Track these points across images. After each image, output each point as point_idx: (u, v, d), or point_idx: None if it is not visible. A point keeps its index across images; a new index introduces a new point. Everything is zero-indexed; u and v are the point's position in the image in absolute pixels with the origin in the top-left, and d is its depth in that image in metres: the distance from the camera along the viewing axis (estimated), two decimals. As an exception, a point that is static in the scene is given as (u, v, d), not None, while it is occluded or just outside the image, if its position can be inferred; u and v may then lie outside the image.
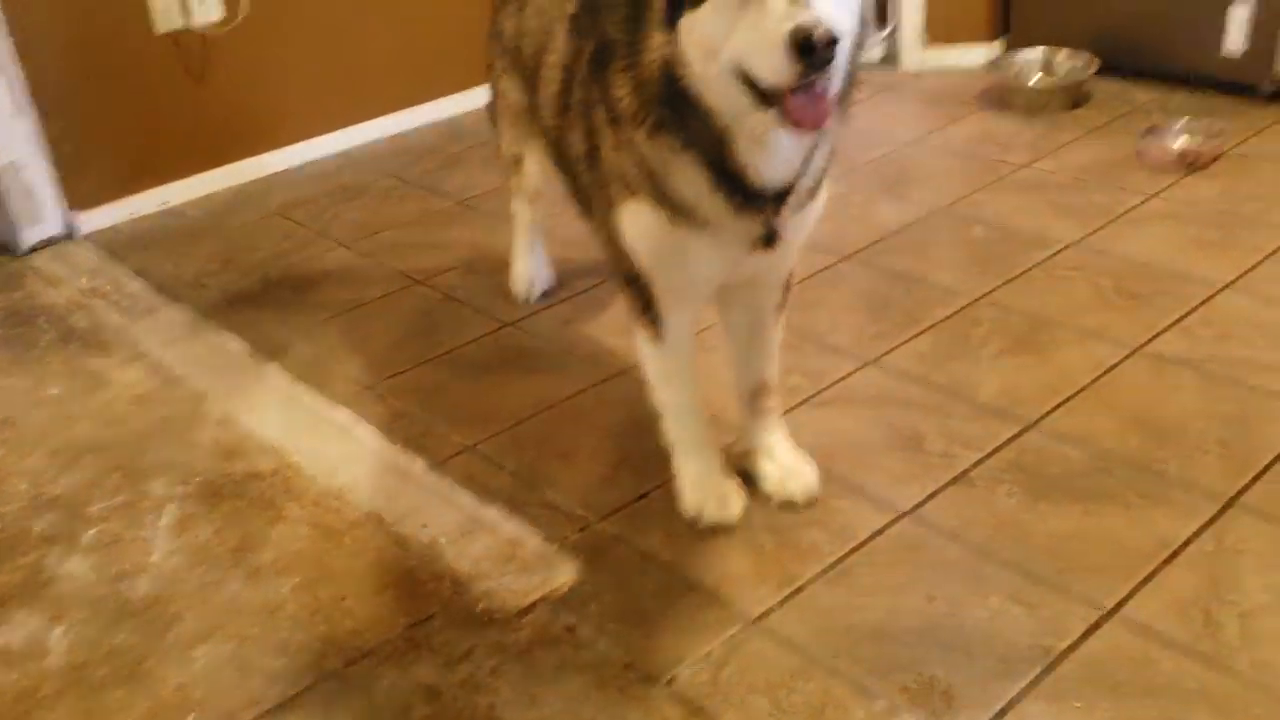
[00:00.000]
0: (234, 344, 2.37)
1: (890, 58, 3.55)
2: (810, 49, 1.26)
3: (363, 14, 3.24)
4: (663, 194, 1.50)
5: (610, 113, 1.52)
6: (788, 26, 1.26)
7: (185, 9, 2.93)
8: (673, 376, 1.72)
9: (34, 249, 2.86)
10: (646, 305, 1.64)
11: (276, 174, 3.18)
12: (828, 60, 1.27)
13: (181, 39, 2.96)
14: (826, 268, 2.44)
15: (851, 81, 1.47)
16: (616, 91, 1.48)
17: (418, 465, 1.94)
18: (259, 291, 2.58)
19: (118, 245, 2.85)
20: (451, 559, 1.73)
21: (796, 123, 1.34)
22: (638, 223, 1.55)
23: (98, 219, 2.94)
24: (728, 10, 1.32)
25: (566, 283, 2.46)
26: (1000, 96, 3.18)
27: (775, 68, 1.29)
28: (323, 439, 2.05)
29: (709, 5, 1.34)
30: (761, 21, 1.29)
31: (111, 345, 2.41)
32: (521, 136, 2.22)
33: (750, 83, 1.33)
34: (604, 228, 1.65)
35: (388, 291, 2.52)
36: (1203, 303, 2.18)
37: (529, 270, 2.42)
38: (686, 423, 1.75)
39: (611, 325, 2.29)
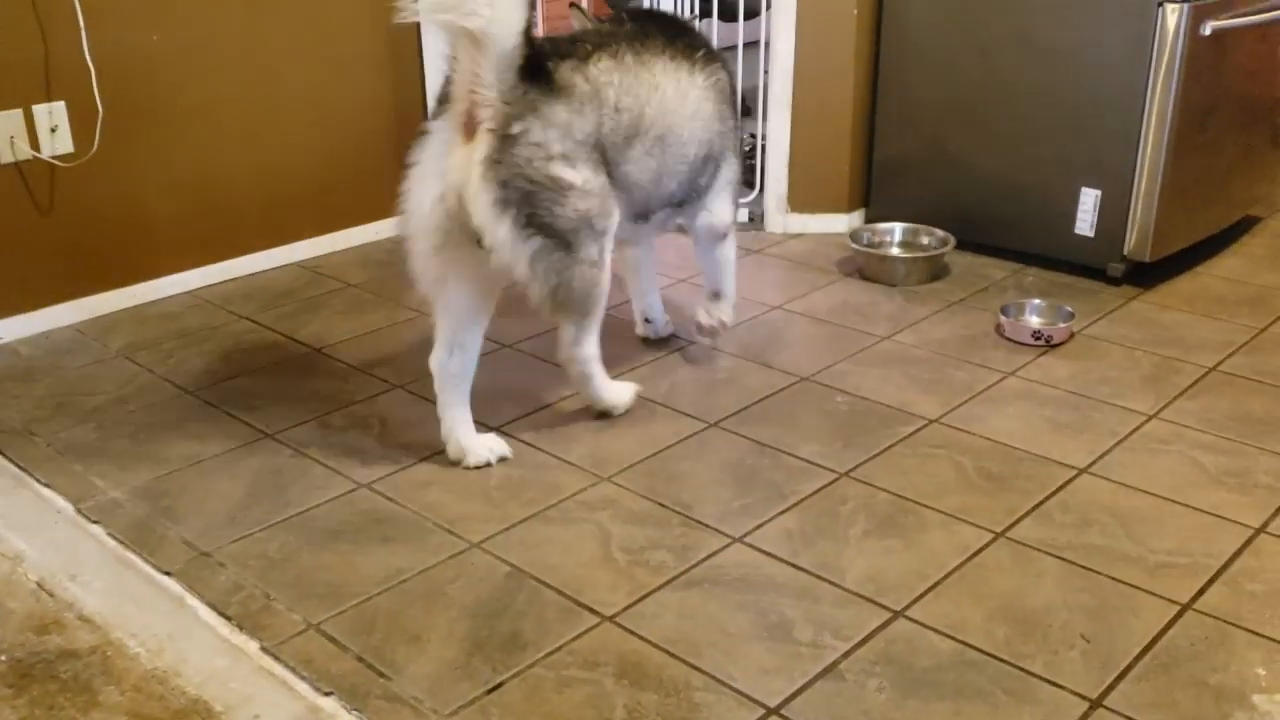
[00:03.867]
0: (60, 501, 2.20)
1: (756, 219, 3.62)
2: None
3: (220, 154, 3.15)
4: None
5: None
6: None
7: (34, 140, 2.80)
8: None
9: None
10: None
11: (121, 312, 3.02)
12: None
13: (27, 169, 2.82)
14: (694, 434, 2.41)
15: None
16: None
17: (253, 646, 1.79)
18: (93, 442, 2.41)
19: (-62, 384, 2.65)
20: (286, 757, 1.58)
21: None
22: None
23: (-82, 354, 2.74)
24: None
25: (429, 442, 2.37)
26: (861, 266, 3.25)
27: None
28: (150, 612, 1.88)
29: None
30: None
31: (-81, 498, 2.21)
32: None
33: None
34: None
35: (234, 445, 2.39)
36: (1061, 487, 2.21)
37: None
38: None
39: (474, 489, 2.20)
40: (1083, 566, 1.97)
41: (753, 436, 2.40)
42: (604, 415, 2.47)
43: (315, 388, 2.63)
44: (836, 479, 2.24)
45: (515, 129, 2.05)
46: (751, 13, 3.48)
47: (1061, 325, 2.81)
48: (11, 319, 2.86)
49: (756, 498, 2.19)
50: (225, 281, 3.22)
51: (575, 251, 2.17)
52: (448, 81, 2.12)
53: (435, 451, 2.34)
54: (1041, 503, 2.16)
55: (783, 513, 2.14)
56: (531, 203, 2.09)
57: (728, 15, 3.88)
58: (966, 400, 2.55)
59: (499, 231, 2.08)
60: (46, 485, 2.25)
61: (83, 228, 2.93)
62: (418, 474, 2.28)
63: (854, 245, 3.25)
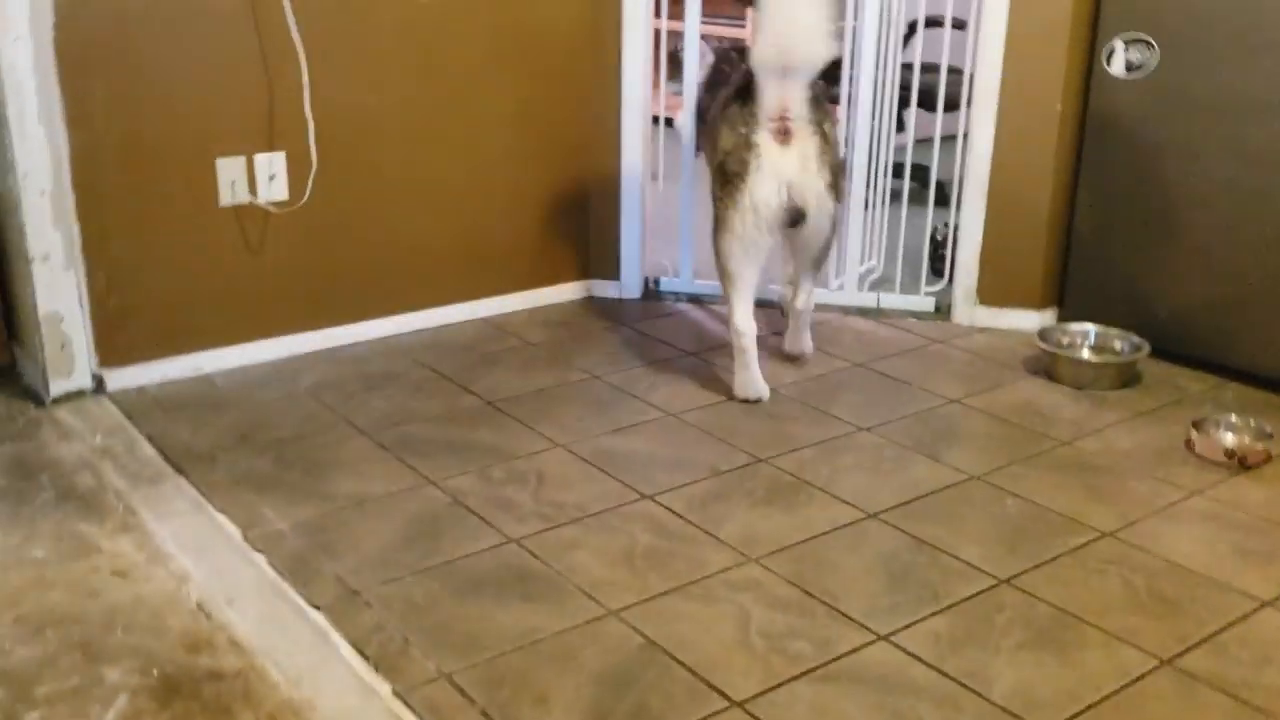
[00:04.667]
0: (230, 527, 2.31)
1: (943, 309, 3.53)
2: None
3: (421, 211, 3.30)
4: None
5: None
6: None
7: (252, 186, 3.00)
8: None
9: (58, 400, 2.86)
10: None
11: (314, 353, 3.18)
12: None
13: (244, 213, 3.01)
14: (850, 524, 2.34)
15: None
16: None
17: (385, 689, 1.83)
18: (268, 473, 2.53)
19: (141, 406, 2.84)
20: (400, 802, 1.60)
21: None
22: None
23: (127, 377, 2.93)
24: None
25: (581, 503, 2.39)
26: (1048, 366, 3.12)
27: None
28: (295, 644, 1.95)
29: None
30: None
31: (108, 511, 2.36)
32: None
33: None
34: None
35: (398, 488, 2.46)
36: (1241, 619, 2.04)
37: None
38: None
39: (619, 555, 2.20)
40: (1257, 708, 1.81)
41: (912, 532, 2.32)
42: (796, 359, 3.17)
43: (481, 439, 2.69)
44: (995, 585, 2.14)
45: (825, 129, 2.74)
46: (951, 104, 3.43)
47: (1259, 446, 2.62)
48: (212, 351, 3.05)
49: (908, 596, 2.10)
50: (413, 332, 3.35)
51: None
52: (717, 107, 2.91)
53: (587, 514, 2.36)
54: (1217, 633, 2.00)
55: (934, 615, 2.05)
56: (838, 180, 2.81)
57: (927, 104, 3.84)
58: (1146, 516, 2.40)
59: (828, 205, 2.79)
60: (221, 511, 2.37)
61: (288, 271, 3.11)
62: (566, 534, 2.29)
63: (1042, 344, 3.12)
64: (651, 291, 3.70)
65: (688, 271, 3.69)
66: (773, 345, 3.25)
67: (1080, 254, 3.35)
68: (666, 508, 2.39)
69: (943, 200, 3.83)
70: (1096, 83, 3.22)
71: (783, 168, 2.70)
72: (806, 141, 2.71)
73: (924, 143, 3.71)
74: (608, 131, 3.51)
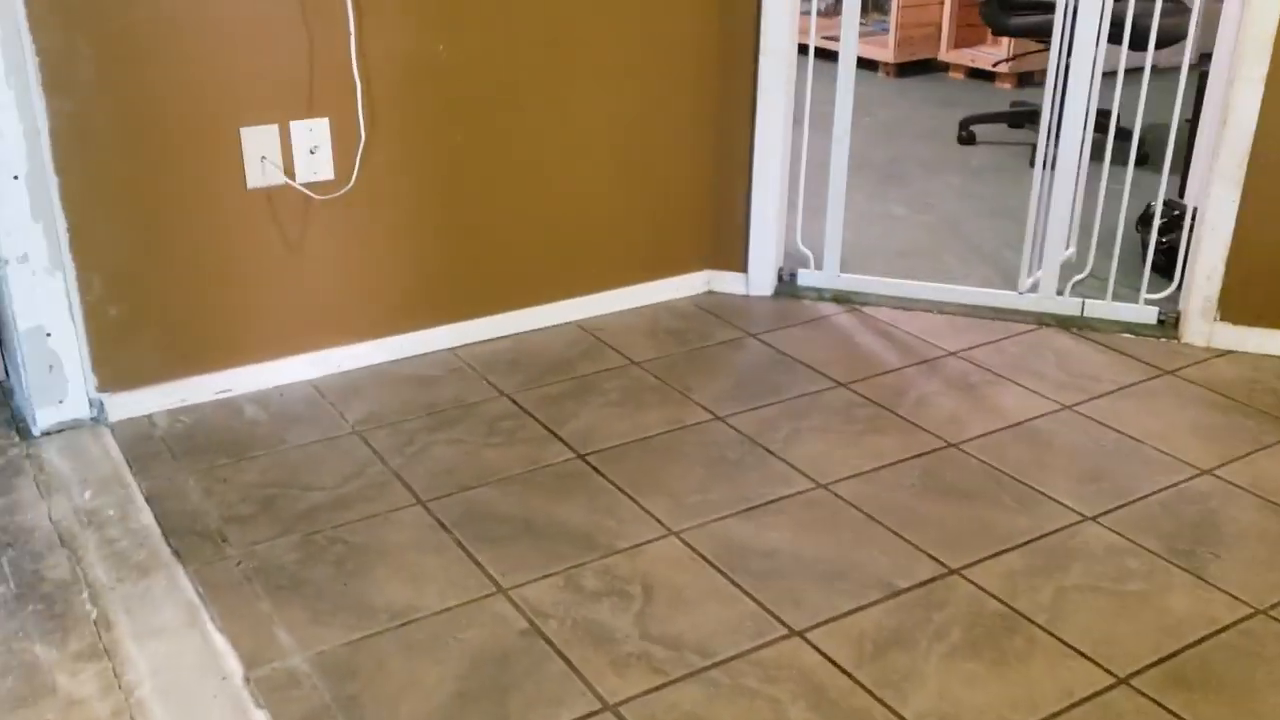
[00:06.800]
0: (230, 660, 1.69)
1: (1169, 323, 2.74)
2: None
3: (502, 192, 2.60)
4: None
5: None
6: None
7: (288, 163, 2.34)
8: None
9: (49, 433, 2.27)
10: None
11: (367, 369, 2.54)
12: None
13: (277, 198, 2.36)
14: (1093, 695, 1.63)
15: None
16: None
17: None
18: (292, 565, 1.90)
19: (147, 445, 2.24)
20: None
21: None
22: None
23: (133, 403, 2.34)
24: None
25: (700, 641, 1.72)
26: (1328, 417, 2.33)
27: None
28: None
29: None
30: None
31: (75, 623, 1.76)
32: None
33: None
34: None
35: (456, 601, 1.82)
36: None
37: None
38: None
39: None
40: None
41: (1181, 713, 1.60)
42: None
43: (570, 518, 2.03)
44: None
45: None
46: (1167, 39, 2.59)
47: None
48: (240, 370, 2.42)
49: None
50: (491, 340, 2.69)
51: None
52: None
53: (712, 660, 1.69)
54: None
55: None
56: None
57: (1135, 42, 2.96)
58: None
59: None
60: (221, 630, 1.76)
61: (335, 269, 2.46)
62: (684, 699, 1.62)
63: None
64: (786, 286, 2.97)
65: (833, 261, 2.94)
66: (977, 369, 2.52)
67: (1367, 259, 2.53)
68: (825, 656, 1.70)
69: (1144, 159, 2.98)
70: None
71: None
72: None
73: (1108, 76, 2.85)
74: (737, 74, 2.76)
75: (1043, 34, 4.03)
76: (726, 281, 2.95)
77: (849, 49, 2.73)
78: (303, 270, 2.43)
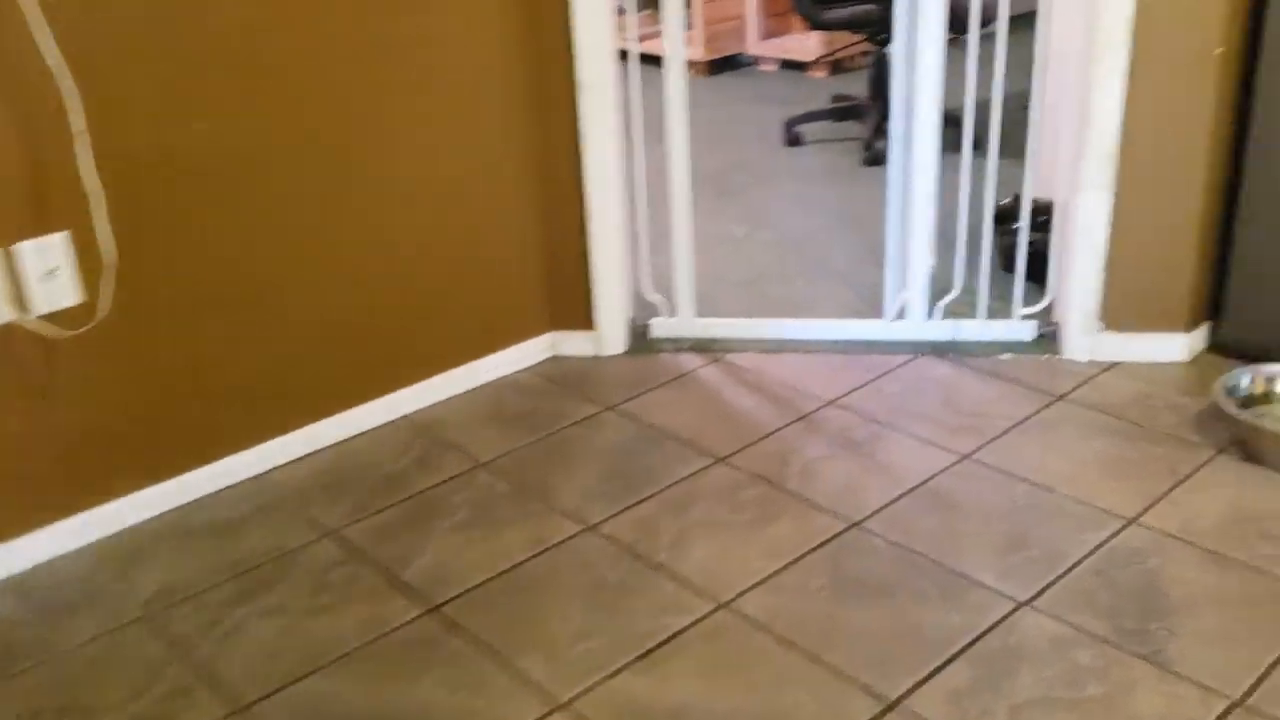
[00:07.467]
0: None
1: (1048, 339, 2.54)
2: None
3: (300, 283, 2.20)
4: None
5: None
6: None
7: (18, 295, 1.88)
8: None
9: None
10: None
11: (154, 521, 2.10)
12: None
13: (9, 338, 1.90)
14: None
15: None
16: None
17: None
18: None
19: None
20: None
21: None
22: None
23: None
24: None
25: None
26: (1248, 440, 2.14)
27: None
28: None
29: None
30: None
31: None
32: None
33: None
34: None
35: None
36: None
37: None
38: None
39: None
40: None
41: None
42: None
43: (430, 702, 1.66)
44: None
45: None
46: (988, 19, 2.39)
47: None
48: (-7, 553, 1.96)
49: None
50: (307, 457, 2.28)
51: None
52: None
53: None
54: None
55: None
56: None
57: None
58: None
59: None
60: None
61: (97, 408, 2.01)
62: None
63: (1232, 410, 2.14)
64: (640, 341, 2.65)
65: (687, 304, 2.63)
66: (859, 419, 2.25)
67: (1246, 252, 2.37)
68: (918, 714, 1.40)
69: (977, 147, 2.76)
70: (1275, 13, 2.21)
71: None
72: None
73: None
74: (555, 110, 2.42)
75: (860, 27, 3.83)
76: (574, 342, 2.61)
77: (677, 60, 2.43)
78: (54, 416, 1.97)
